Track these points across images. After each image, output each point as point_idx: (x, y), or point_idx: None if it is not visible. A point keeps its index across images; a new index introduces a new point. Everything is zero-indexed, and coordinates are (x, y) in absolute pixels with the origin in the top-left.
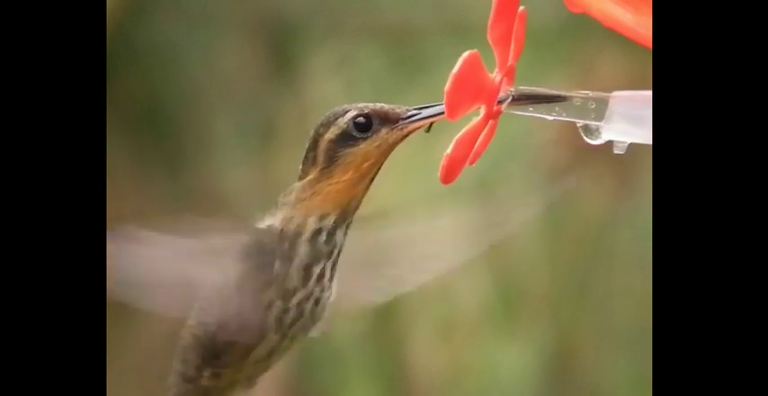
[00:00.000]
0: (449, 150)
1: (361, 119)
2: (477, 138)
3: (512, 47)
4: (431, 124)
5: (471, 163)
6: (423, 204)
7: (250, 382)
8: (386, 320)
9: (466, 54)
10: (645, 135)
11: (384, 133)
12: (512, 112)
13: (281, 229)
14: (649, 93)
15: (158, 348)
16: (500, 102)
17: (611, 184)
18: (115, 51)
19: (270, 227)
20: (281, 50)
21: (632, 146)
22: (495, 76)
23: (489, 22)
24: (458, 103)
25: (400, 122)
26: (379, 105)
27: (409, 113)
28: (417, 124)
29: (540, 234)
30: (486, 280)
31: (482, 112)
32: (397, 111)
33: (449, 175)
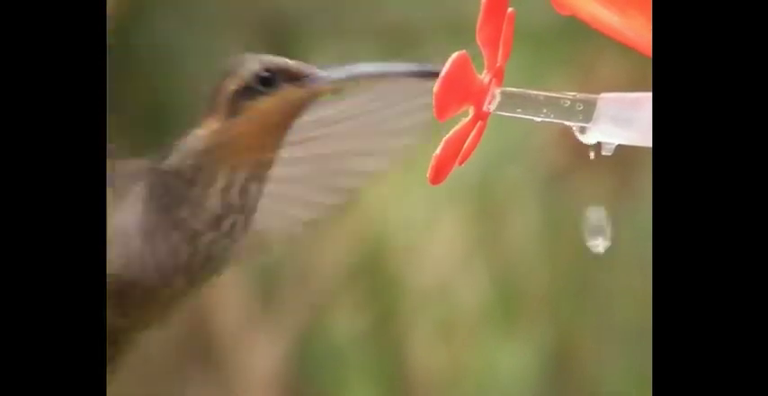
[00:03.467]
0: (437, 151)
1: (265, 73)
2: (466, 139)
3: (500, 48)
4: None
5: (460, 164)
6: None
7: (161, 322)
8: (386, 320)
9: (454, 55)
10: (633, 137)
11: (287, 90)
12: (499, 113)
13: (190, 177)
14: (637, 95)
15: (158, 348)
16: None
17: (611, 184)
18: (115, 51)
19: (178, 171)
20: (281, 50)
21: (632, 147)
22: (484, 77)
23: (478, 24)
24: (446, 103)
25: (304, 80)
26: (283, 60)
27: (318, 74)
28: (324, 87)
29: (539, 234)
30: (485, 280)
31: (471, 112)
32: (302, 68)
33: (437, 175)
